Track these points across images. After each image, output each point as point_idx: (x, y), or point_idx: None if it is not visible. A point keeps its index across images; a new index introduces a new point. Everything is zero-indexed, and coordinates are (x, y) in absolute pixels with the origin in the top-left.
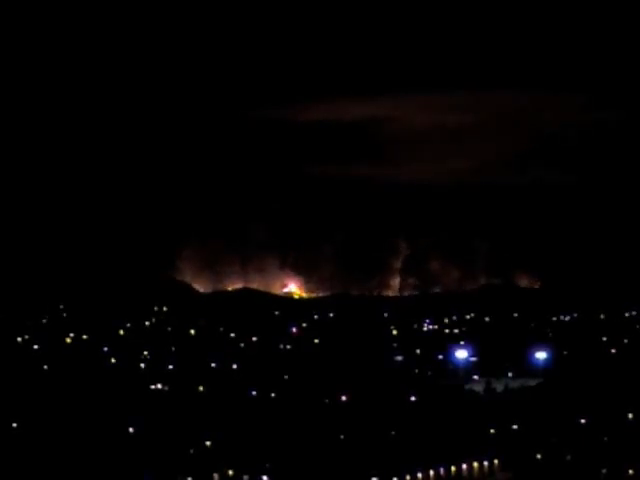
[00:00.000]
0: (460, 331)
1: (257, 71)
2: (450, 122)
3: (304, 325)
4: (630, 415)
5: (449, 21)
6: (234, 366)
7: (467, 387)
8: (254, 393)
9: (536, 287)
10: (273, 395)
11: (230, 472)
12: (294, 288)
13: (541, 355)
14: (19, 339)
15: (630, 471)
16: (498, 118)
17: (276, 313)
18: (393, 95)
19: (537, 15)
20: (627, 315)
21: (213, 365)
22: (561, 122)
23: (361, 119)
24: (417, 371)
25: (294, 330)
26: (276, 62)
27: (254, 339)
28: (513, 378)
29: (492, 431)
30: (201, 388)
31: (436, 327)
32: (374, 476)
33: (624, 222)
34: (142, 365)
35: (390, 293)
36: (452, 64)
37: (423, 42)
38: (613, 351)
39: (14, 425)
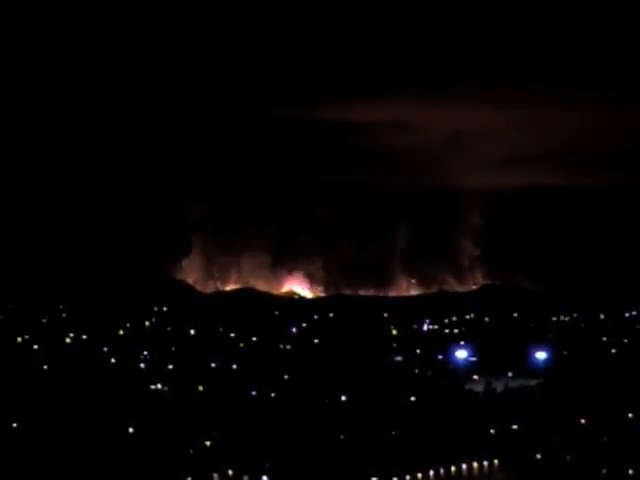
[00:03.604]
0: (460, 331)
1: (256, 71)
2: (445, 124)
3: (304, 325)
4: (630, 415)
5: (452, 20)
6: (234, 366)
7: (467, 387)
8: (254, 393)
9: (536, 287)
10: (273, 395)
11: (230, 472)
12: (294, 288)
13: (541, 355)
14: (19, 339)
15: (630, 471)
16: (497, 119)
17: (276, 313)
18: (391, 97)
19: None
20: (627, 315)
21: (213, 365)
22: (561, 125)
23: (363, 120)
24: (417, 371)
25: (294, 330)
26: (276, 62)
27: (254, 339)
28: (513, 378)
29: (492, 431)
30: (201, 388)
31: (436, 327)
32: (374, 476)
33: (624, 222)
34: (142, 365)
35: (390, 293)
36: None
37: (423, 41)
38: (613, 351)
39: (14, 425)
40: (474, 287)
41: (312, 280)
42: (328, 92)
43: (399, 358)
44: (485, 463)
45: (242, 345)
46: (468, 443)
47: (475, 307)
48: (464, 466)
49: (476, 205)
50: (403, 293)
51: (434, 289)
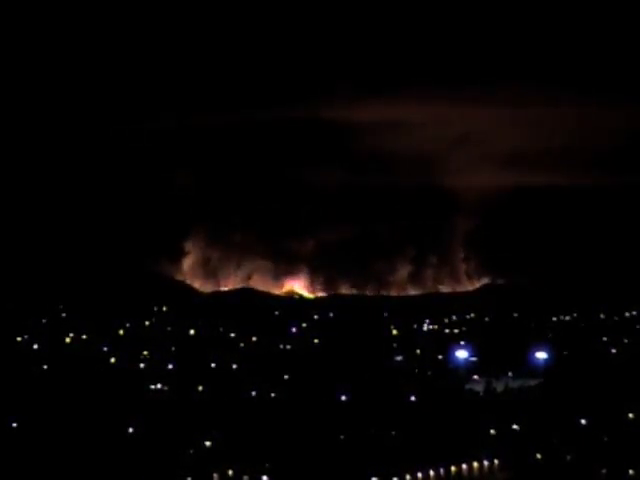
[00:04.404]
0: (460, 331)
1: (256, 71)
2: (445, 124)
3: (304, 325)
4: (630, 415)
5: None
6: (234, 366)
7: (467, 387)
8: (254, 393)
9: (536, 287)
10: (273, 395)
11: (230, 472)
12: (294, 288)
13: (541, 355)
14: (19, 339)
15: (630, 471)
16: (498, 119)
17: (276, 313)
18: (391, 97)
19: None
20: (627, 315)
21: (213, 365)
22: (561, 125)
23: (363, 120)
24: (417, 371)
25: (294, 330)
26: (276, 62)
27: (254, 339)
28: (513, 378)
29: (492, 431)
30: (201, 388)
31: (436, 327)
32: (374, 476)
33: (624, 222)
34: (142, 365)
35: (390, 293)
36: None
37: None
38: (613, 351)
39: (14, 425)
40: (474, 287)
41: (312, 280)
42: (328, 92)
43: (399, 358)
44: (485, 463)
45: (242, 345)
46: (468, 443)
47: (475, 307)
48: (464, 466)
49: (476, 205)
50: (403, 293)
51: (434, 289)
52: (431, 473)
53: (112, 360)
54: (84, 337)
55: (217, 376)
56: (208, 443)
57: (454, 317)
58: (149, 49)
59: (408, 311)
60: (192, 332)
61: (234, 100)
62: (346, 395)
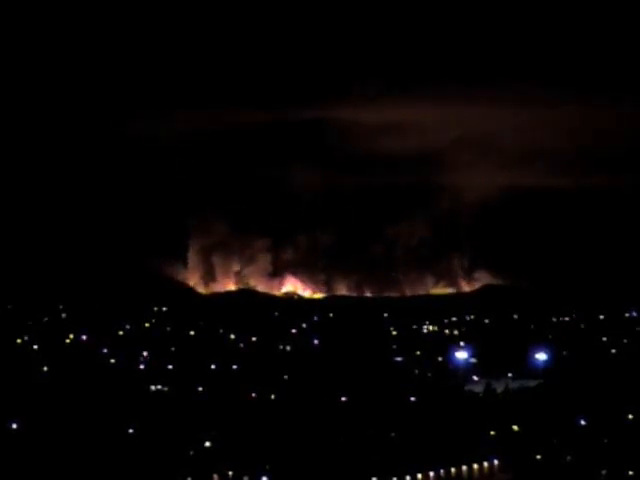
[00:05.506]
0: (460, 332)
1: (257, 73)
2: (447, 125)
3: (304, 325)
4: (630, 415)
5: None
6: (234, 367)
7: (467, 388)
8: (254, 394)
9: (536, 287)
10: (273, 396)
11: (230, 472)
12: (294, 288)
13: (541, 356)
14: (19, 339)
15: (630, 472)
16: (498, 120)
17: (276, 314)
18: (393, 98)
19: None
20: (627, 315)
21: (213, 366)
22: (561, 125)
23: (364, 121)
24: (417, 372)
25: (294, 331)
26: (277, 64)
27: (254, 340)
28: (513, 379)
29: (492, 432)
30: (201, 389)
31: (436, 328)
32: (374, 476)
33: (624, 223)
34: (142, 365)
35: (390, 294)
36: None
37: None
38: (613, 351)
39: (14, 425)
40: (473, 288)
41: (312, 280)
42: (330, 93)
43: (399, 359)
44: (485, 464)
45: (242, 346)
46: (468, 444)
47: (475, 308)
48: (464, 467)
49: (476, 205)
50: (403, 294)
51: (434, 290)
52: (431, 474)
53: (112, 360)
54: (84, 337)
55: (217, 377)
56: (208, 443)
57: (454, 318)
58: (153, 50)
59: (408, 312)
60: (192, 333)
61: (239, 101)
62: (346, 396)
